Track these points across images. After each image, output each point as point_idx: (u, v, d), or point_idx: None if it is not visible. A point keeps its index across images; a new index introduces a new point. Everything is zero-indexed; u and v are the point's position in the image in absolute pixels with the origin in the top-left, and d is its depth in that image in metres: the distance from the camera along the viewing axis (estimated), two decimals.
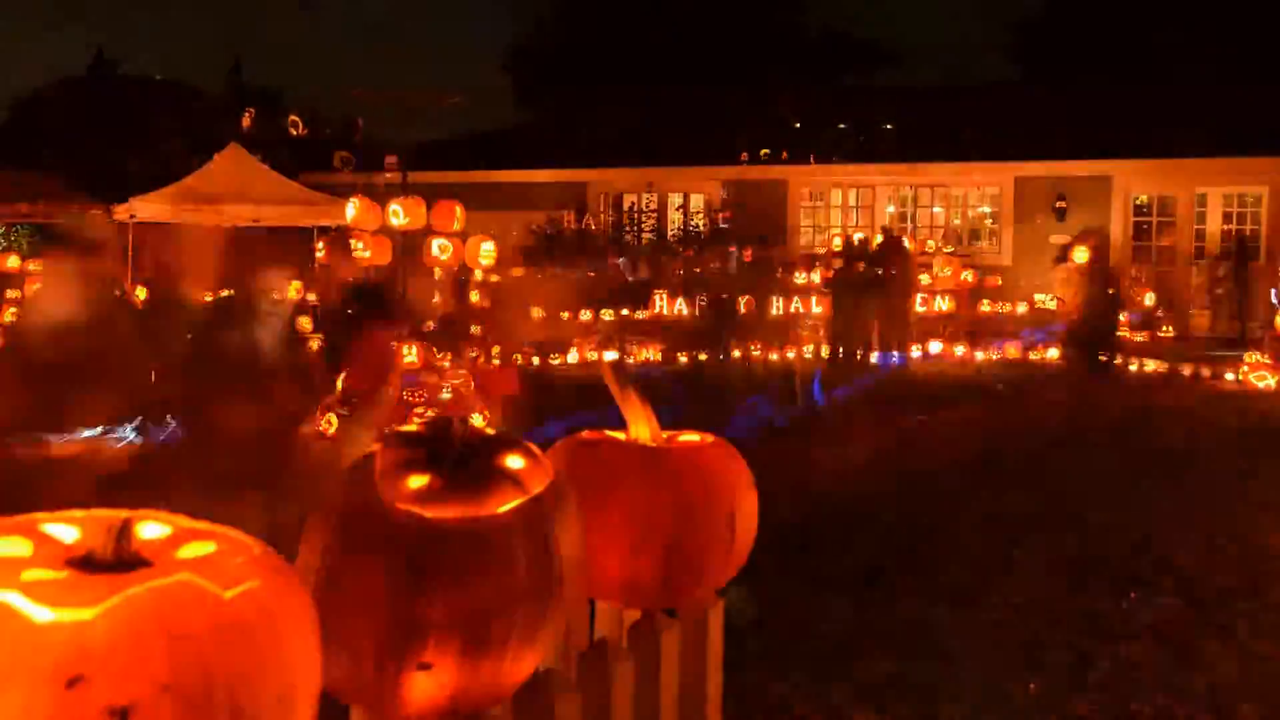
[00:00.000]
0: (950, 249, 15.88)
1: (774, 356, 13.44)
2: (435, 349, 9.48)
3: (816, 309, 13.98)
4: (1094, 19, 24.64)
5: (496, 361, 13.03)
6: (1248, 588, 4.49)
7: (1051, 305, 14.56)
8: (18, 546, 1.10)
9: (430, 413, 8.31)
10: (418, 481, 1.50)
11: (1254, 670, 3.62)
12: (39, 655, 0.99)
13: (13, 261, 13.58)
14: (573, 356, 13.35)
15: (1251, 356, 11.17)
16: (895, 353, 12.51)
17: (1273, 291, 12.96)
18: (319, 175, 14.96)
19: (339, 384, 8.72)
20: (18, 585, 1.02)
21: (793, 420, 8.89)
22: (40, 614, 1.01)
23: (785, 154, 17.01)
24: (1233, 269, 14.80)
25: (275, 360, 8.45)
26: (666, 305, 13.91)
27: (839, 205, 17.73)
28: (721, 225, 16.50)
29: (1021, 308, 14.03)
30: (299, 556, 1.49)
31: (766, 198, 16.59)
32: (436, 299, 13.88)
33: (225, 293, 11.19)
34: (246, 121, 14.85)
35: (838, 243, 14.55)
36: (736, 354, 13.41)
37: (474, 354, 12.88)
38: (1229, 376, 11.21)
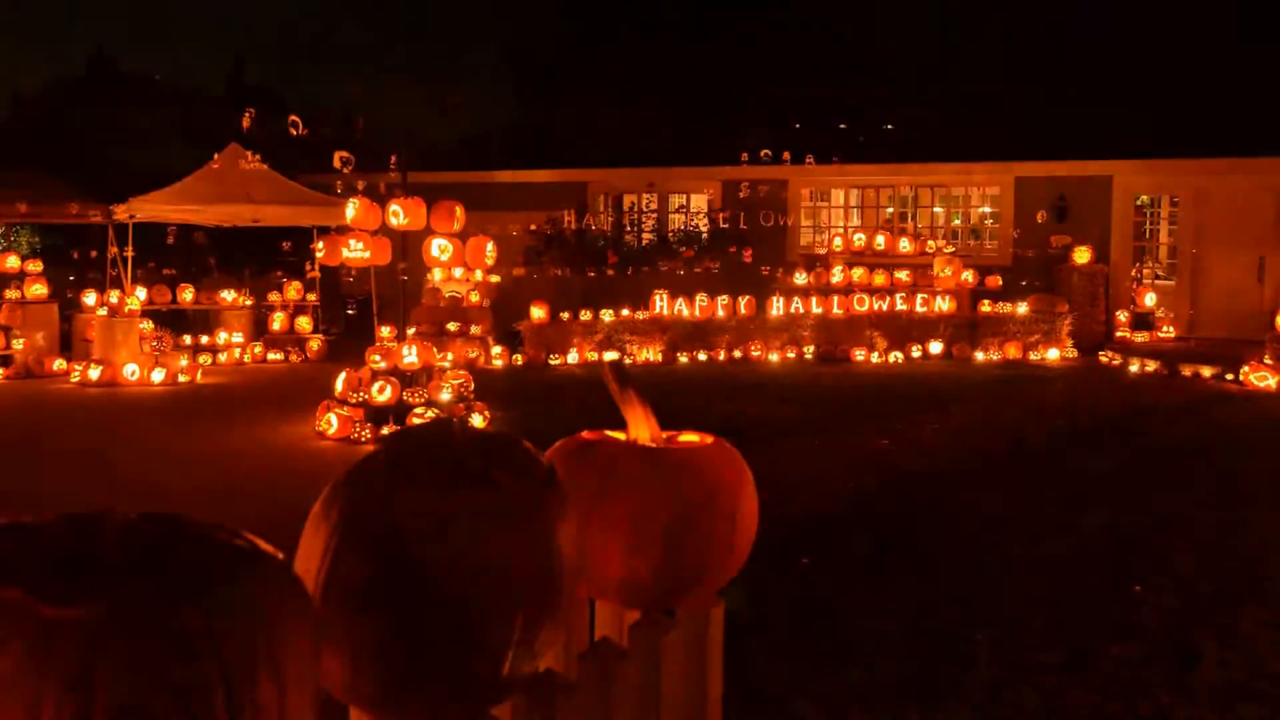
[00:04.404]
0: (950, 249, 15.88)
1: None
2: (434, 348, 9.48)
3: (817, 309, 13.97)
4: (1095, 19, 24.64)
5: (498, 362, 13.04)
6: (1248, 588, 4.49)
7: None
8: None
9: (431, 413, 8.32)
10: (418, 482, 1.50)
11: (1254, 670, 3.62)
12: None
13: (12, 261, 13.59)
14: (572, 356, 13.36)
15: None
16: None
17: None
18: (319, 175, 14.96)
19: (340, 382, 8.73)
20: None
21: None
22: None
23: (786, 154, 17.00)
24: None
25: None
26: (667, 305, 13.90)
27: (840, 205, 17.73)
28: (722, 225, 16.50)
29: (1022, 308, 14.02)
30: (297, 557, 1.48)
31: (766, 198, 16.58)
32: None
33: None
34: (246, 121, 14.81)
35: None
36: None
37: (473, 353, 12.90)
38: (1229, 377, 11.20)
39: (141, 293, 13.59)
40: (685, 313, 13.86)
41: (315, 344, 14.30)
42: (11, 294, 13.20)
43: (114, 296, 12.67)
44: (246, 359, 13.92)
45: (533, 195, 17.39)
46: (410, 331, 11.62)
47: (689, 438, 2.19)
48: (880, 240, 15.66)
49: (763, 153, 17.00)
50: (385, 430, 8.05)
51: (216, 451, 7.81)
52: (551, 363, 13.33)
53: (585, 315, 13.88)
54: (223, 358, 13.76)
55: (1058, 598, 4.35)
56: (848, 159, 17.67)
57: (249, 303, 14.87)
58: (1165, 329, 15.13)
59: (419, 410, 8.38)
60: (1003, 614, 4.15)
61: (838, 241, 16.02)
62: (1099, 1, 24.82)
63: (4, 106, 26.00)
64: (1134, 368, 12.34)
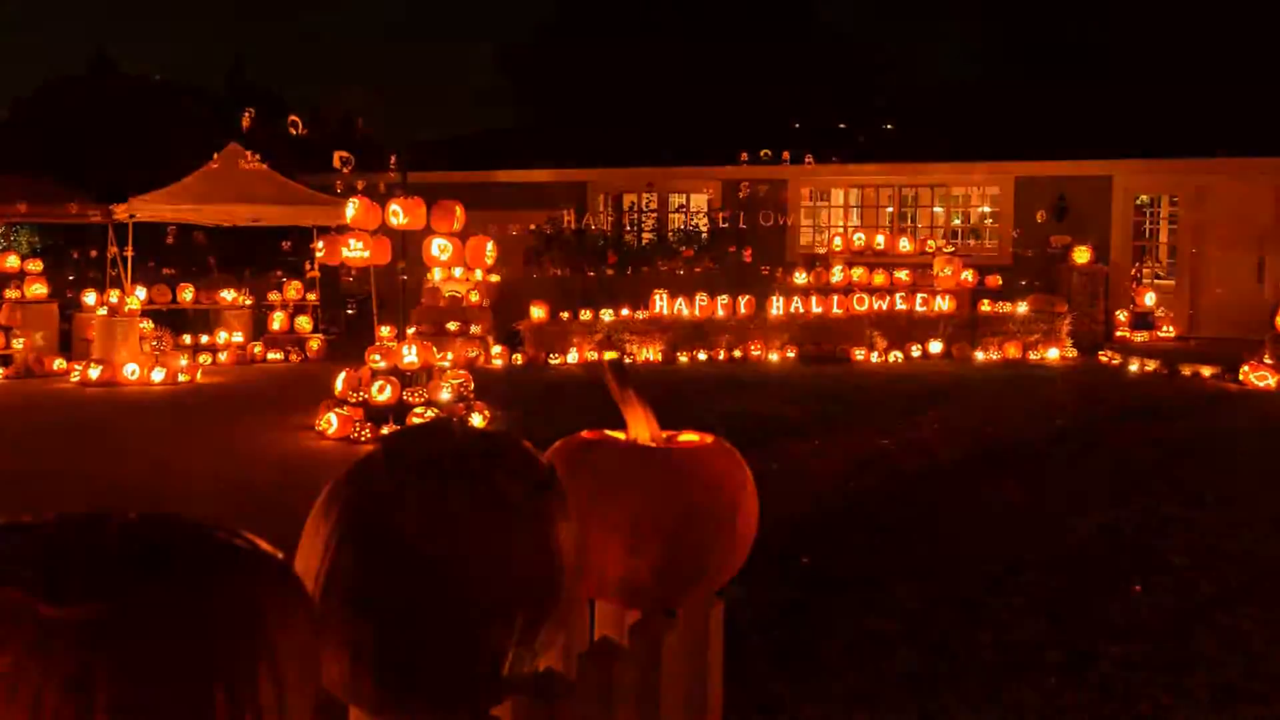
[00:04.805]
0: (950, 249, 15.89)
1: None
2: (434, 347, 9.48)
3: (817, 309, 13.98)
4: (1095, 18, 24.64)
5: (498, 361, 13.05)
6: (1248, 588, 4.49)
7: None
8: None
9: (431, 413, 8.32)
10: (418, 482, 1.50)
11: (1254, 670, 3.61)
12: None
13: (12, 261, 13.59)
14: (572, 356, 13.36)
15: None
16: None
17: None
18: (319, 175, 14.96)
19: (339, 382, 8.73)
20: None
21: None
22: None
23: (786, 154, 16.99)
24: None
25: None
26: (667, 305, 13.90)
27: (840, 205, 17.74)
28: (722, 225, 16.51)
29: (1022, 307, 14.03)
30: (297, 557, 1.48)
31: (766, 198, 16.58)
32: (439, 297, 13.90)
33: None
34: (246, 121, 14.83)
35: None
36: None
37: (473, 353, 12.91)
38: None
39: (141, 292, 13.59)
40: (685, 312, 13.86)
41: (315, 344, 14.30)
42: (11, 294, 13.20)
43: (114, 296, 12.67)
44: (246, 359, 13.92)
45: (533, 195, 17.38)
46: (410, 331, 11.63)
47: (689, 438, 2.19)
48: (880, 240, 15.67)
49: (763, 153, 17.00)
50: (385, 430, 8.05)
51: (216, 451, 7.81)
52: (551, 362, 13.33)
53: (585, 315, 13.89)
54: (223, 357, 13.76)
55: (1058, 598, 4.35)
56: (848, 159, 17.67)
57: (249, 302, 14.88)
58: (1165, 329, 15.14)
59: (419, 410, 8.38)
60: (1003, 614, 4.15)
61: (838, 241, 16.03)
62: (1099, 1, 24.83)
63: (4, 106, 25.98)
64: (1134, 367, 12.34)
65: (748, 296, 14.03)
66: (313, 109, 22.50)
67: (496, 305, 14.41)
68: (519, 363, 13.28)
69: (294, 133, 13.82)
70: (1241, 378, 10.90)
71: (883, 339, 13.82)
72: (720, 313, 13.92)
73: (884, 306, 14.11)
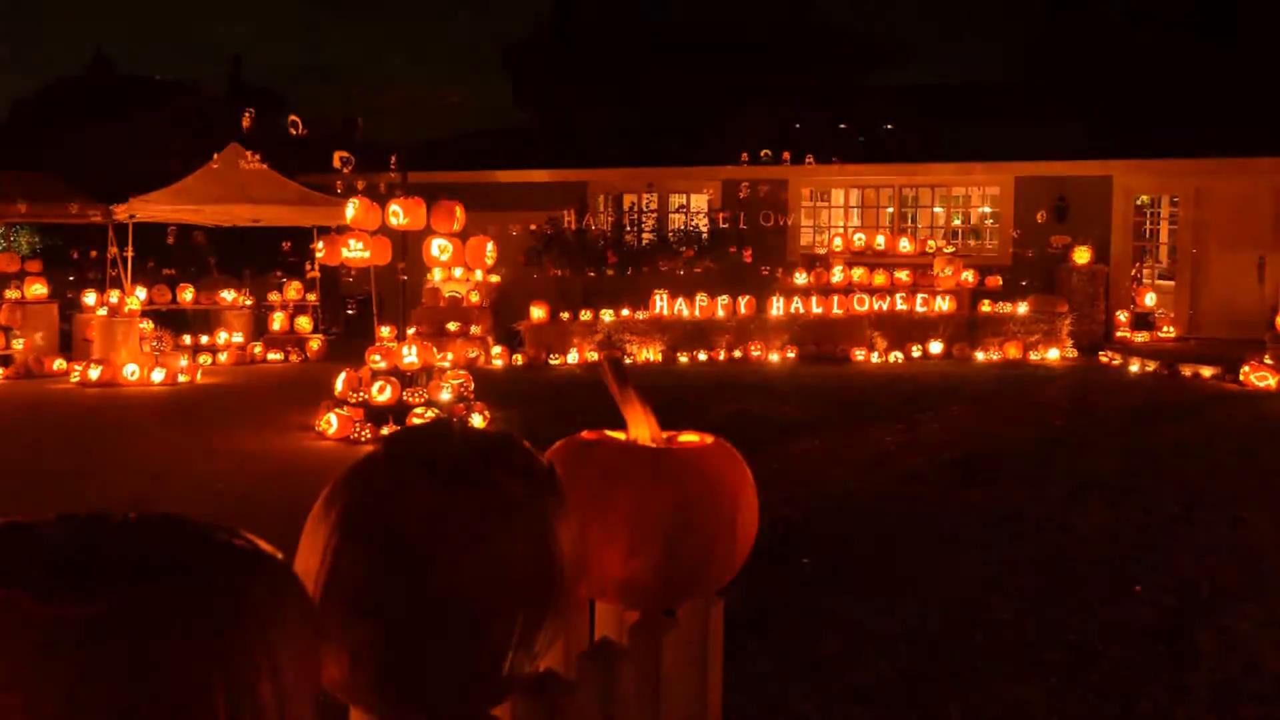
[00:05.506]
0: (950, 249, 15.89)
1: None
2: (434, 348, 9.48)
3: (817, 309, 13.98)
4: (1095, 19, 24.64)
5: (498, 362, 13.05)
6: (1248, 588, 4.49)
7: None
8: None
9: (431, 413, 8.32)
10: (418, 482, 1.50)
11: (1254, 670, 3.61)
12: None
13: (12, 261, 13.59)
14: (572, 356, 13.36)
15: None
16: None
17: None
18: (319, 175, 14.95)
19: (340, 383, 8.72)
20: None
21: None
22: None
23: (786, 154, 16.99)
24: None
25: None
26: (667, 305, 13.90)
27: (840, 205, 17.74)
28: (722, 225, 16.50)
29: (1022, 308, 14.03)
30: (297, 557, 1.48)
31: (766, 198, 16.58)
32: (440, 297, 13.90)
33: None
34: (246, 121, 14.83)
35: None
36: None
37: (473, 353, 12.90)
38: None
39: (141, 293, 13.59)
40: (685, 313, 13.86)
41: (315, 344, 14.30)
42: (11, 294, 13.20)
43: (114, 296, 12.67)
44: (246, 359, 13.92)
45: (533, 195, 17.38)
46: (410, 331, 11.63)
47: (689, 438, 2.19)
48: (880, 240, 15.67)
49: (763, 153, 16.99)
50: (385, 430, 8.06)
51: (216, 451, 7.81)
52: (551, 363, 13.33)
53: (585, 315, 13.89)
54: (223, 358, 13.76)
55: (1058, 598, 4.35)
56: (848, 159, 17.66)
57: (249, 303, 14.87)
58: (1165, 329, 15.13)
59: (419, 410, 8.38)
60: (1003, 613, 4.15)
61: (838, 241, 16.03)
62: (1099, 1, 24.84)
63: (4, 107, 26.03)
64: (1134, 367, 12.34)
65: (748, 297, 14.03)
66: (313, 108, 22.52)
67: (496, 305, 14.40)
68: (519, 363, 13.28)
69: (294, 133, 13.82)
70: (1241, 378, 10.90)
71: (883, 339, 13.82)
72: (720, 313, 13.92)
73: (884, 307, 14.11)
